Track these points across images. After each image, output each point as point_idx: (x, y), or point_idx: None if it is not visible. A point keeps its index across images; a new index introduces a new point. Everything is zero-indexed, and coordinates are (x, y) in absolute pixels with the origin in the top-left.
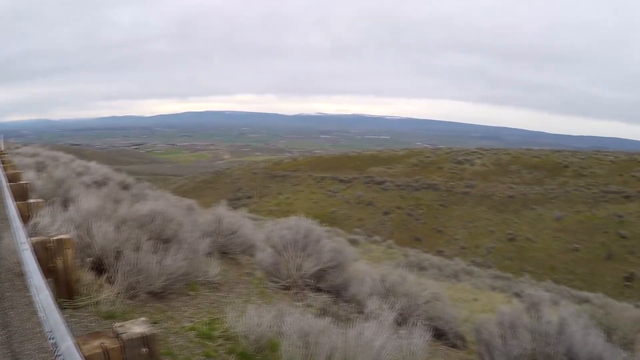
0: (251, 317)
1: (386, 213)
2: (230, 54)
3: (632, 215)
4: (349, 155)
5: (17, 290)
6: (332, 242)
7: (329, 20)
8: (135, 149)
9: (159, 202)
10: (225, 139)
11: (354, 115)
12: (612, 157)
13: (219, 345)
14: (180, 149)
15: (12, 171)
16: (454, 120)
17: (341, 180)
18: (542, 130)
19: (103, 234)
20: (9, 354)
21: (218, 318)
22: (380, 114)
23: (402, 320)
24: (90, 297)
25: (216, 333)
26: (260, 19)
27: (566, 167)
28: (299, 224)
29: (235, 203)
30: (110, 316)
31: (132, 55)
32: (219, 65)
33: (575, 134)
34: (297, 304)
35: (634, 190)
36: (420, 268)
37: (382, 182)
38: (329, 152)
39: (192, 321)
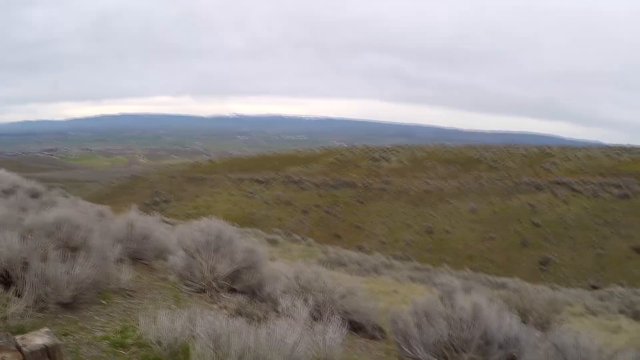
0: (163, 322)
1: (305, 212)
2: (146, 54)
3: (544, 204)
4: (267, 155)
5: None
6: (245, 242)
7: (245, 20)
8: (49, 155)
9: (66, 209)
10: (141, 142)
11: (270, 115)
12: (523, 151)
13: (132, 353)
14: (95, 154)
15: None
16: (370, 119)
17: (259, 181)
18: (455, 127)
19: (8, 244)
20: None
21: (131, 325)
22: (298, 114)
23: (318, 316)
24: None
25: (129, 341)
26: (176, 18)
27: (480, 161)
28: (210, 225)
29: (152, 207)
30: (20, 331)
31: (45, 56)
32: (134, 66)
33: (488, 130)
34: (212, 306)
35: (545, 180)
36: (340, 264)
37: (300, 182)
38: (247, 153)
39: (104, 330)
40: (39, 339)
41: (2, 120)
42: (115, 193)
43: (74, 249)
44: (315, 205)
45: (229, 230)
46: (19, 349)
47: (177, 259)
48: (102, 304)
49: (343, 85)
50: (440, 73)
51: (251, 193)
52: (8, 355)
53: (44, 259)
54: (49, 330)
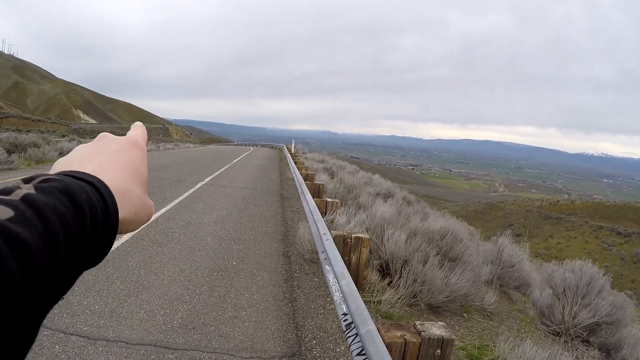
0: (526, 352)
1: None
2: (511, 83)
3: None
4: (632, 205)
5: (305, 273)
6: (612, 296)
7: (618, 49)
8: (411, 169)
9: (451, 222)
10: (501, 171)
11: None
12: None
13: None
14: (455, 175)
15: (305, 172)
16: None
17: (619, 233)
18: None
19: (395, 241)
20: (292, 324)
21: (487, 345)
22: None
23: None
24: (373, 295)
25: (485, 358)
26: (542, 47)
27: None
28: (584, 269)
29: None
30: (388, 317)
31: (414, 80)
32: (500, 94)
33: None
34: (565, 353)
35: None
36: None
37: None
38: (610, 199)
39: (462, 342)
40: (436, 329)
41: (371, 132)
42: (469, 216)
43: (452, 260)
44: None
45: (602, 279)
46: (418, 332)
47: (542, 295)
48: (463, 316)
49: None
50: None
51: (608, 245)
52: (408, 335)
53: (424, 261)
54: (444, 324)
